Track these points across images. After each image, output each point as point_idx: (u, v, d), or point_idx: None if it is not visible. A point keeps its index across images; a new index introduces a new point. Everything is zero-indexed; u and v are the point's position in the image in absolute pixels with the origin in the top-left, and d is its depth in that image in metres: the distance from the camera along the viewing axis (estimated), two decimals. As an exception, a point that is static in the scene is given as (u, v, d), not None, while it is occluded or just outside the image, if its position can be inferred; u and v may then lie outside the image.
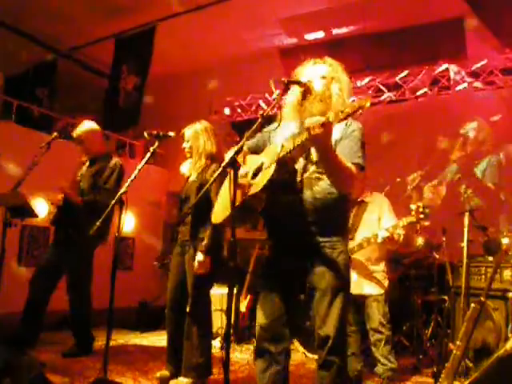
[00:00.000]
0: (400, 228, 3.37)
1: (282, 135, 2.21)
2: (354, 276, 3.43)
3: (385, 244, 3.51)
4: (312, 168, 2.15)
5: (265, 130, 2.32)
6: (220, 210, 2.24)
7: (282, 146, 2.06)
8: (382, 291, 3.58)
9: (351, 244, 3.45)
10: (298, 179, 2.15)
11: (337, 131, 2.12)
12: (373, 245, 3.51)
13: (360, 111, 1.79)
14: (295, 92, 2.20)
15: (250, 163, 2.23)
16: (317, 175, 2.14)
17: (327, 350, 2.06)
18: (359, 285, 3.52)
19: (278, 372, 2.15)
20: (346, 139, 2.15)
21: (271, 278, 2.23)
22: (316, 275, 2.12)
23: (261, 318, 2.20)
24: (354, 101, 1.97)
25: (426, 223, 3.70)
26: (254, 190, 2.06)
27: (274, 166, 2.02)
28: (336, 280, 2.10)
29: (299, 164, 2.18)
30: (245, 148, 2.19)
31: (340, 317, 2.08)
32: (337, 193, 2.13)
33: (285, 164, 2.08)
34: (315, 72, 2.22)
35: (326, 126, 1.81)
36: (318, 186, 2.13)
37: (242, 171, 2.15)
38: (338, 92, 2.19)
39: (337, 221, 2.21)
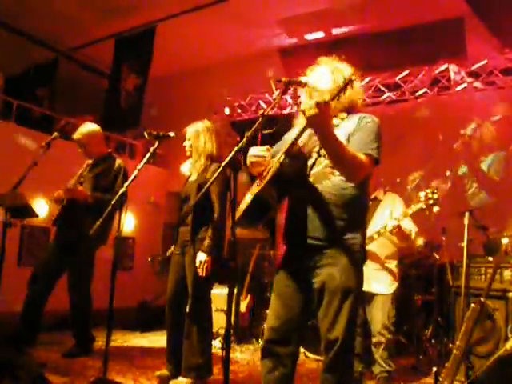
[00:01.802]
0: (409, 215, 3.33)
1: None
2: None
3: (395, 235, 3.45)
4: (324, 162, 2.11)
5: (285, 136, 2.32)
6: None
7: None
8: (391, 291, 3.51)
9: None
10: (309, 173, 2.12)
11: (350, 125, 2.12)
12: (384, 238, 3.44)
13: (351, 84, 1.86)
14: (303, 95, 2.19)
15: None
16: (329, 169, 2.10)
17: (334, 352, 1.99)
18: (368, 281, 3.44)
19: (285, 375, 2.08)
20: (358, 131, 2.11)
21: (284, 278, 2.15)
22: (328, 273, 2.03)
23: (271, 320, 2.15)
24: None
25: (436, 209, 3.60)
26: (262, 184, 2.02)
27: (281, 157, 2.00)
28: (348, 280, 2.02)
29: (311, 159, 2.15)
30: (269, 154, 2.13)
31: (350, 320, 2.00)
32: (351, 187, 2.08)
33: (293, 156, 2.06)
34: (315, 75, 2.22)
35: (321, 106, 1.78)
36: (329, 181, 2.09)
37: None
38: (343, 79, 2.15)
39: (352, 216, 2.10)
